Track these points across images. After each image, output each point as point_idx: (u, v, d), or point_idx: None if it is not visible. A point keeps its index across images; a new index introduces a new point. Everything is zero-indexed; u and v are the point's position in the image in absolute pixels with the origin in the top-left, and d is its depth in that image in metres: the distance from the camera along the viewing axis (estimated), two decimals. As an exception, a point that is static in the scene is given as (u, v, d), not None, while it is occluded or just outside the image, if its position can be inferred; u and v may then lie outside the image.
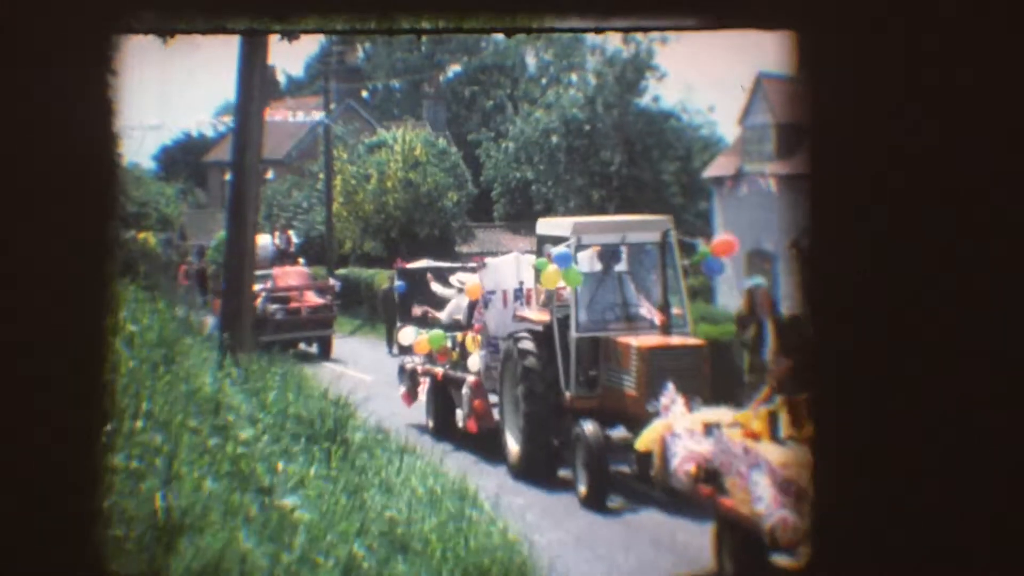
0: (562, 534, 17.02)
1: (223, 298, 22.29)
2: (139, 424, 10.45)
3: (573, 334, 19.65)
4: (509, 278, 23.11)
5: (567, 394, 19.64)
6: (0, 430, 2.87)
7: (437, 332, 24.22)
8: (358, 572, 11.09)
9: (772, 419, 13.08)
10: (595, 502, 18.17)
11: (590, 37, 60.93)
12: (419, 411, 24.92)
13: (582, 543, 16.61)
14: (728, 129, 73.53)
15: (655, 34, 57.62)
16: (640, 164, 58.90)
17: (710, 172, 45.48)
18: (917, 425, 2.78)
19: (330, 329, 37.89)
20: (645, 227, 20.92)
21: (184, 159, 75.80)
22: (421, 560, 12.43)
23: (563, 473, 19.58)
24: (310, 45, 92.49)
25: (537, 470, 19.96)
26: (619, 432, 18.91)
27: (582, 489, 18.38)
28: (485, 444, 21.81)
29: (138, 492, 9.16)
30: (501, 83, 67.65)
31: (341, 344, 38.24)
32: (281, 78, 79.14)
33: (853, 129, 2.81)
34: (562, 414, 19.68)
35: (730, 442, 13.28)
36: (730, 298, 37.93)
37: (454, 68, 74.52)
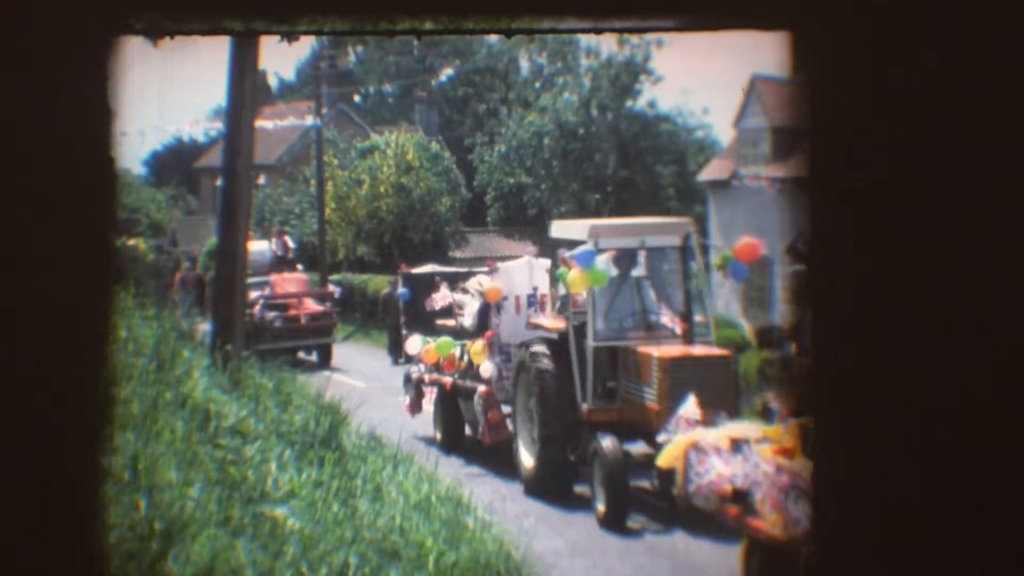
0: (560, 543, 16.89)
1: (214, 305, 22.17)
2: (128, 432, 10.35)
3: (590, 343, 18.79)
4: (521, 283, 22.27)
5: (584, 406, 18.80)
6: (0, 431, 2.81)
7: (445, 340, 23.43)
8: (351, 581, 10.99)
9: (805, 433, 12.46)
10: (614, 522, 17.38)
11: (584, 40, 61.26)
12: (423, 422, 24.12)
13: (599, 567, 16.02)
14: (723, 132, 73.75)
15: (650, 37, 57.91)
16: (635, 167, 59.04)
17: (705, 175, 45.53)
18: (918, 426, 2.74)
19: (330, 337, 37.32)
20: (665, 230, 20.26)
21: (175, 164, 75.85)
22: (414, 568, 12.33)
23: (579, 489, 18.85)
24: (302, 49, 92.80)
25: (552, 486, 19.12)
26: (639, 447, 18.12)
27: (600, 508, 17.56)
28: (498, 458, 21.06)
29: (125, 501, 9.05)
30: (494, 87, 67.72)
31: (335, 350, 37.77)
32: (273, 82, 79.35)
33: (853, 130, 2.75)
34: (578, 427, 18.81)
35: (761, 459, 12.66)
36: (731, 303, 37.90)
37: (447, 72, 74.62)
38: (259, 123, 25.80)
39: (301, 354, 36.24)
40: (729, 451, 13.30)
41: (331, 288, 40.66)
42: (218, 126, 50.68)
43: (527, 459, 19.63)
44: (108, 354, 2.88)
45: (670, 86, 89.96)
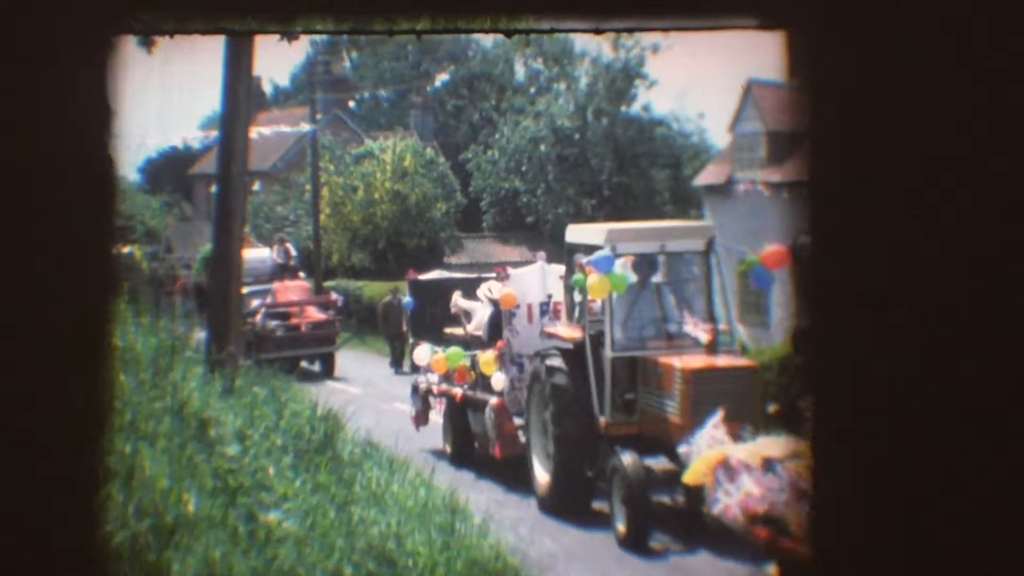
0: (553, 548, 16.81)
1: (210, 311, 22.11)
2: (124, 439, 10.32)
3: (608, 353, 17.88)
4: (534, 290, 21.21)
5: (601, 419, 17.86)
6: (0, 432, 2.79)
7: (455, 350, 22.56)
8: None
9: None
10: (635, 542, 16.48)
11: (579, 45, 61.31)
12: (432, 435, 23.37)
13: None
14: (719, 136, 73.76)
15: (645, 42, 57.99)
16: (630, 172, 59.07)
17: (701, 180, 45.53)
18: (919, 428, 2.72)
19: (333, 345, 36.51)
20: (687, 234, 19.35)
21: (170, 171, 75.79)
22: (409, 575, 12.31)
23: (597, 505, 18.01)
24: (297, 55, 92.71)
25: (569, 503, 18.23)
26: (659, 462, 17.22)
27: (620, 527, 16.67)
28: (511, 472, 20.31)
29: (120, 506, 9.03)
30: (487, 93, 67.73)
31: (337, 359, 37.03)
32: (267, 88, 79.31)
33: (853, 132, 2.73)
34: (596, 441, 17.90)
35: (795, 479, 12.21)
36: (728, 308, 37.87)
37: (442, 77, 74.64)
38: (254, 130, 25.55)
39: (303, 363, 35.68)
40: (760, 469, 12.79)
41: (333, 296, 39.99)
42: (212, 134, 50.60)
43: (542, 475, 18.82)
44: (106, 356, 2.87)
45: (665, 91, 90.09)
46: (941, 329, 2.71)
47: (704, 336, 17.74)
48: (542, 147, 58.90)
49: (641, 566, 16.07)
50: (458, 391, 22.34)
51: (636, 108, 60.61)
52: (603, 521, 17.40)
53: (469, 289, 24.03)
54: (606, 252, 17.80)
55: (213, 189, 26.69)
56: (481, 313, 22.92)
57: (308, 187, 52.65)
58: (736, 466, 13.02)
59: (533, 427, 19.17)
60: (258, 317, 35.55)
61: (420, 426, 23.69)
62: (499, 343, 21.08)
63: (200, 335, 20.75)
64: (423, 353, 23.55)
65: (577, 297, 18.81)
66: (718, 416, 14.64)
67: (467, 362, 22.07)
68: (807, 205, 2.74)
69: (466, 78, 70.83)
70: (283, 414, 16.80)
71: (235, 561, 9.79)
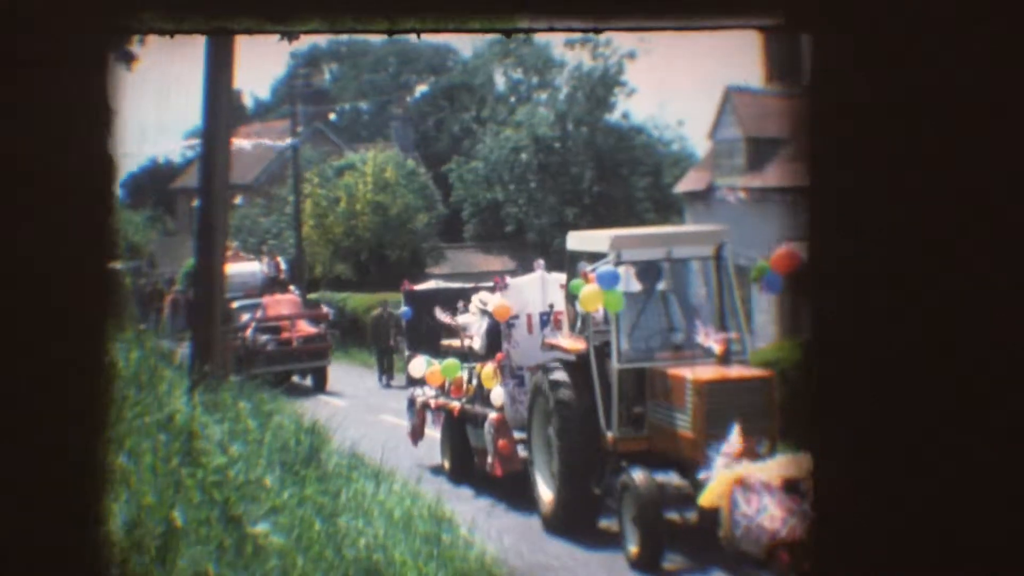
0: (542, 557, 16.76)
1: (194, 325, 22.05)
2: (109, 453, 10.29)
3: (615, 365, 17.07)
4: (534, 300, 20.40)
5: (608, 435, 17.06)
6: (1, 432, 2.80)
7: (451, 362, 21.86)
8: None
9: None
10: (648, 563, 15.66)
11: (559, 53, 61.37)
12: (428, 450, 22.80)
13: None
14: (699, 143, 73.88)
15: (623, 49, 58.14)
16: (611, 180, 59.12)
17: (681, 187, 45.56)
18: (920, 431, 2.72)
19: (325, 360, 35.76)
20: (695, 239, 18.57)
21: (151, 186, 75.64)
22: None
23: (603, 523, 17.36)
24: (277, 67, 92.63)
25: (575, 522, 17.47)
26: (670, 477, 16.55)
27: (632, 548, 15.84)
28: (512, 489, 19.58)
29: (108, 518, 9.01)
30: (468, 104, 67.74)
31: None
32: (248, 101, 79.22)
33: (854, 133, 2.74)
34: (603, 457, 17.18)
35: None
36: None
37: (421, 88, 74.66)
38: (235, 143, 25.36)
39: (295, 378, 35.09)
40: (782, 490, 12.29)
41: (324, 309, 39.23)
42: (194, 145, 50.44)
43: (546, 493, 18.04)
44: (109, 356, 2.89)
45: (644, 99, 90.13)
46: (941, 333, 2.71)
47: (716, 346, 16.87)
48: (523, 156, 58.95)
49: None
50: (456, 404, 21.68)
51: (616, 116, 60.75)
52: (610, 540, 16.75)
53: (465, 299, 23.38)
54: (611, 267, 17.01)
55: (195, 203, 26.64)
56: (477, 325, 22.18)
57: (290, 200, 52.62)
58: (756, 487, 12.52)
59: (536, 443, 18.48)
60: (248, 332, 35.06)
61: (417, 441, 23.10)
62: (498, 355, 20.35)
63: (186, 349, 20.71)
64: (419, 365, 22.94)
65: (579, 307, 17.88)
66: (734, 433, 14.07)
67: (464, 374, 21.44)
68: (807, 210, 2.74)
69: (446, 89, 70.86)
70: (268, 426, 16.79)
71: (223, 575, 9.78)
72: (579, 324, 18.23)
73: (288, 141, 51.90)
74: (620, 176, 59.50)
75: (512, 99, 65.28)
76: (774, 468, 12.90)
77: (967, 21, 2.66)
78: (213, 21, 3.01)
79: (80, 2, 2.78)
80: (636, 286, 17.96)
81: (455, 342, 22.87)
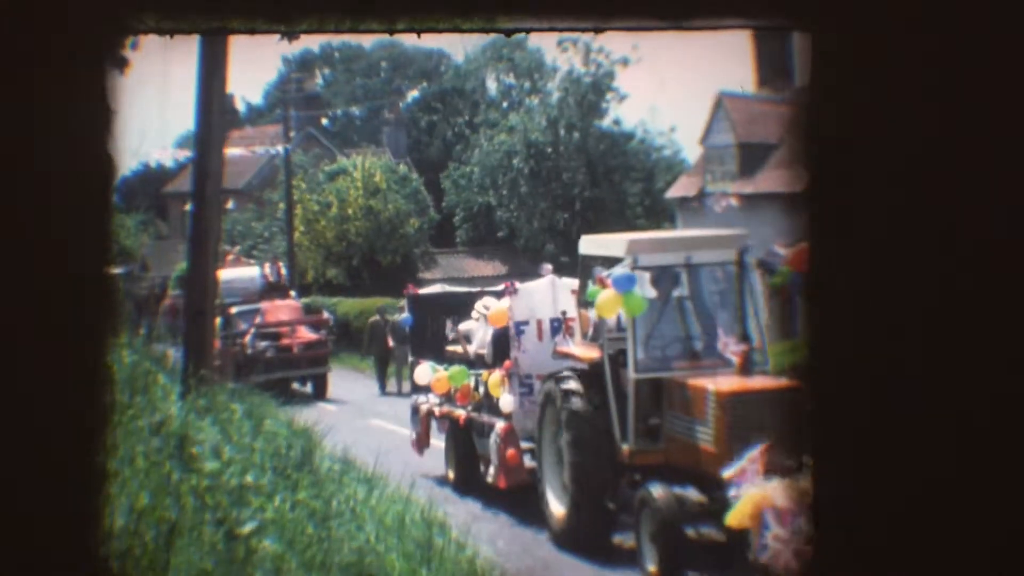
0: (530, 561, 16.74)
1: (186, 329, 21.97)
2: (106, 456, 10.28)
3: (631, 375, 16.24)
4: (544, 306, 19.55)
5: (624, 447, 16.29)
6: (1, 433, 2.78)
7: (458, 369, 21.07)
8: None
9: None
10: None
11: (551, 59, 61.44)
12: (433, 460, 22.13)
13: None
14: (691, 149, 73.92)
15: (616, 56, 58.21)
16: (603, 186, 59.19)
17: (673, 192, 45.61)
18: (920, 436, 2.71)
19: (325, 367, 35.00)
20: (716, 244, 17.45)
21: (143, 190, 75.57)
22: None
23: (616, 538, 16.64)
24: (269, 72, 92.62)
25: (588, 538, 16.67)
26: (689, 492, 15.56)
27: (651, 568, 15.01)
28: (521, 502, 18.81)
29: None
30: (460, 109, 67.81)
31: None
32: (240, 106, 79.21)
33: (854, 134, 2.74)
34: (618, 471, 16.45)
35: None
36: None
37: (413, 94, 74.70)
38: (228, 151, 25.06)
39: (295, 385, 34.39)
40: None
41: (325, 315, 38.30)
42: (186, 152, 50.38)
43: (557, 507, 17.23)
44: (108, 355, 2.89)
45: (635, 105, 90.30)
46: (942, 337, 2.71)
47: (735, 356, 16.05)
48: (516, 161, 58.99)
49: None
50: (461, 413, 20.99)
51: (607, 122, 60.83)
52: (624, 557, 16.03)
53: (470, 304, 22.33)
54: (627, 270, 16.28)
55: (188, 207, 26.61)
56: (482, 332, 21.35)
57: (282, 204, 52.62)
58: (787, 508, 12.00)
59: (546, 455, 17.63)
60: (247, 338, 34.46)
61: (423, 450, 22.48)
62: (507, 362, 19.54)
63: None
64: (424, 372, 22.12)
65: (593, 314, 17.11)
66: (759, 449, 13.40)
67: (471, 381, 20.75)
68: (807, 213, 2.74)
69: (438, 94, 70.91)
70: (260, 430, 16.78)
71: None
72: (591, 331, 17.58)
73: (280, 147, 51.89)
74: (612, 182, 59.57)
75: (504, 104, 65.37)
76: (805, 487, 12.52)
77: (967, 21, 2.66)
78: (212, 21, 3.01)
79: (80, 2, 2.78)
80: (651, 292, 17.03)
81: (459, 348, 22.16)
